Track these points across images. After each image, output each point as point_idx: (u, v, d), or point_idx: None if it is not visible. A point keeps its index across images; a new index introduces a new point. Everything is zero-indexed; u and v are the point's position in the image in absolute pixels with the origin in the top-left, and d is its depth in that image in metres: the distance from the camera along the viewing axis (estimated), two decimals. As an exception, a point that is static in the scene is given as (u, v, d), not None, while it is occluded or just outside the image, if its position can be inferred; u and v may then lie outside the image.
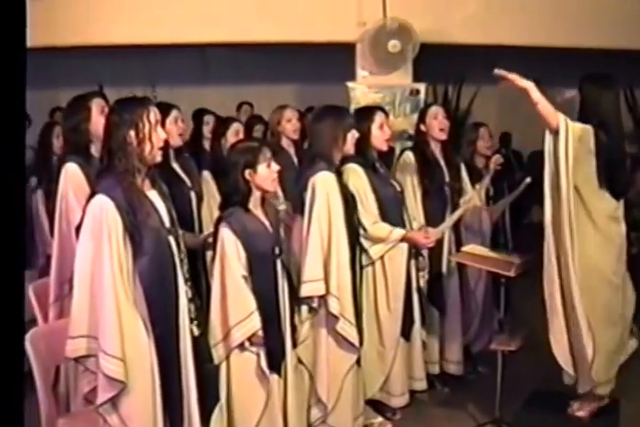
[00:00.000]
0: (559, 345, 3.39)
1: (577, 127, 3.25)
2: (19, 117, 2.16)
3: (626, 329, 3.51)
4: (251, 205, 3.08)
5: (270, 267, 3.10)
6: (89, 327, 2.54)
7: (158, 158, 2.69)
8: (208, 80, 8.56)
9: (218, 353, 2.99)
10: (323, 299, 3.34)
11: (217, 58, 8.32)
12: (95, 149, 3.29)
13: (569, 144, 3.22)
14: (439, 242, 3.97)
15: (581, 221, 3.30)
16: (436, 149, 4.27)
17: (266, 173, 3.06)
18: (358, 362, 3.53)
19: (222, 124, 4.46)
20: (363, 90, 5.94)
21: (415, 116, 4.67)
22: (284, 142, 4.67)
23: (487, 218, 4.35)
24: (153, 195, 2.69)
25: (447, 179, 4.23)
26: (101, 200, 2.54)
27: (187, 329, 2.70)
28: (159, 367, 2.61)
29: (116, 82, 6.49)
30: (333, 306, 3.33)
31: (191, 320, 2.72)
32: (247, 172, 3.02)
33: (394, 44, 5.76)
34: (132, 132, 2.59)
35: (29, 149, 4.79)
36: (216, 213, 3.24)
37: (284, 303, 3.16)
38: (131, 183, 2.59)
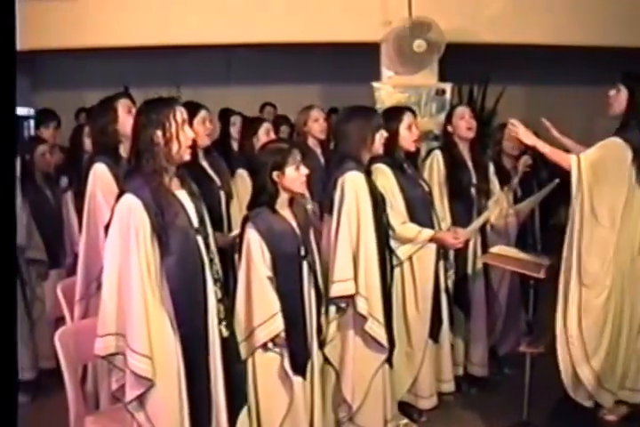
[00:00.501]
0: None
1: (589, 160, 3.40)
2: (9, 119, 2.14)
3: None
4: (278, 206, 3.08)
5: (296, 268, 3.10)
6: (117, 325, 2.56)
7: (187, 157, 2.69)
8: (232, 81, 8.58)
9: (242, 352, 2.99)
10: (351, 299, 3.32)
11: (241, 58, 8.33)
12: (124, 149, 3.32)
13: (583, 183, 3.39)
14: (465, 243, 3.95)
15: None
16: (463, 149, 4.25)
17: (294, 176, 3.06)
18: (389, 363, 3.52)
19: (252, 123, 4.47)
20: (388, 90, 5.93)
21: (441, 117, 4.67)
22: (311, 142, 4.68)
23: (514, 219, 4.31)
24: (182, 194, 2.70)
25: (474, 180, 4.21)
26: (129, 200, 2.55)
27: (215, 330, 2.69)
28: (186, 367, 2.61)
29: (141, 83, 6.50)
30: (361, 306, 3.31)
31: (220, 321, 2.71)
32: (275, 173, 3.03)
33: (419, 44, 5.73)
34: (159, 132, 2.60)
35: (58, 149, 4.83)
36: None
37: (310, 305, 3.15)
38: (159, 183, 2.60)
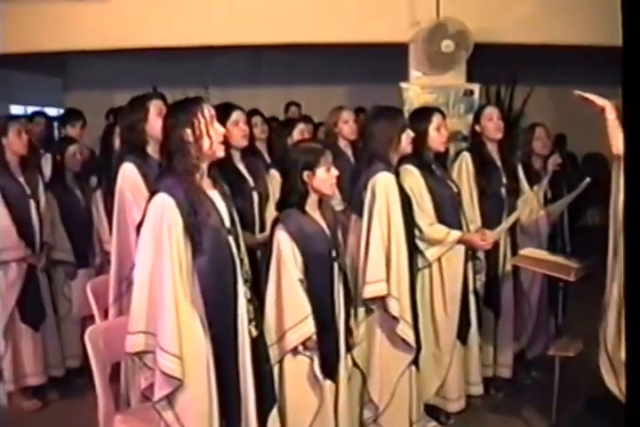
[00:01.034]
0: None
1: None
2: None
3: None
4: (307, 207, 3.04)
5: (327, 270, 3.06)
6: (147, 324, 2.55)
7: (220, 153, 2.68)
8: (260, 81, 8.62)
9: (272, 355, 2.94)
10: (382, 300, 3.31)
11: (269, 59, 8.37)
12: (151, 150, 3.33)
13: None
14: (495, 244, 3.92)
15: None
16: (492, 150, 4.21)
17: (324, 177, 3.01)
18: (416, 365, 3.50)
19: (287, 124, 4.47)
20: (416, 91, 5.91)
21: (469, 117, 4.64)
22: (342, 144, 4.67)
23: (545, 220, 4.28)
24: (214, 194, 2.69)
25: (504, 180, 4.17)
26: (162, 198, 2.55)
27: (245, 330, 2.68)
28: (216, 366, 2.60)
29: (169, 83, 6.55)
30: (393, 307, 3.30)
31: (249, 321, 2.70)
32: (306, 173, 2.99)
33: (447, 44, 5.71)
34: (189, 130, 2.60)
35: (85, 149, 4.87)
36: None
37: (340, 307, 3.12)
38: (191, 182, 2.60)
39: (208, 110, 2.66)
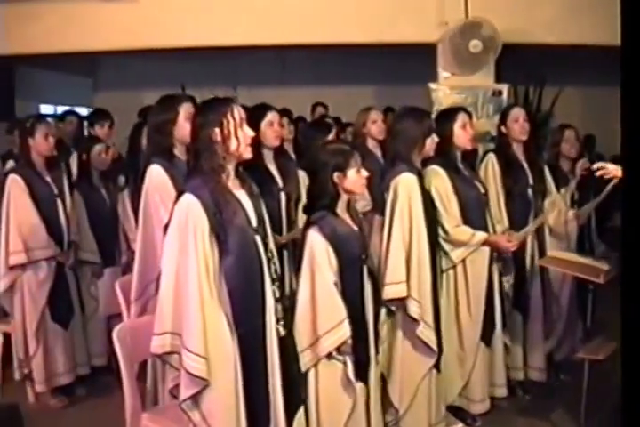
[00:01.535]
0: None
1: None
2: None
3: None
4: (338, 209, 3.02)
5: (357, 272, 3.04)
6: (173, 324, 2.56)
7: (247, 155, 2.68)
8: (286, 81, 8.63)
9: (304, 361, 2.91)
10: (402, 302, 3.30)
11: (296, 59, 8.37)
12: (178, 151, 3.33)
13: None
14: (522, 246, 3.89)
15: None
16: (518, 150, 4.18)
17: (355, 178, 2.99)
18: (437, 367, 3.48)
19: (320, 126, 4.48)
20: (445, 91, 5.89)
21: (498, 118, 4.59)
22: (370, 144, 4.66)
23: (574, 223, 4.23)
24: (241, 194, 2.69)
25: (531, 181, 4.14)
26: (188, 199, 2.56)
27: (273, 329, 2.67)
28: (243, 366, 2.60)
29: (197, 83, 6.59)
30: (413, 309, 3.29)
31: (277, 320, 2.70)
32: (336, 175, 2.97)
33: (475, 45, 5.68)
34: (217, 130, 2.60)
35: (112, 149, 4.90)
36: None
37: (369, 309, 3.10)
38: (217, 182, 2.60)
39: (238, 112, 2.66)
